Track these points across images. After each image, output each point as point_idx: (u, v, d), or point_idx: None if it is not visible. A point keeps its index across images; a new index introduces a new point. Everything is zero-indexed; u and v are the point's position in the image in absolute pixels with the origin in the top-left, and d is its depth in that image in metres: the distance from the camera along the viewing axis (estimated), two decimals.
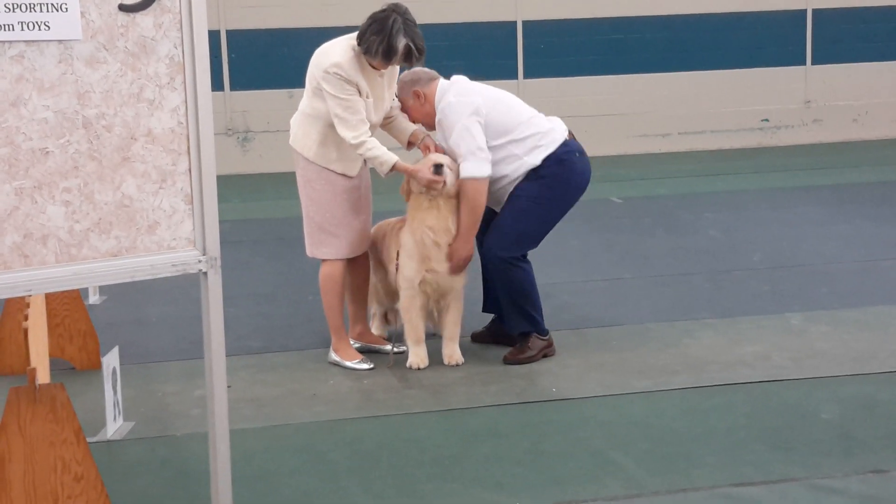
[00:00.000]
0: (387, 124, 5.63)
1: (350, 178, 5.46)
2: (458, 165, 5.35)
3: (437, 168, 5.28)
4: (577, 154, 5.55)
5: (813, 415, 4.80)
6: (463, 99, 5.40)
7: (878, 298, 6.51)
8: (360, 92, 5.27)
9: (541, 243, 5.66)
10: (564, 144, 5.51)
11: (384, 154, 5.26)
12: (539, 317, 5.57)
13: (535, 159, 5.45)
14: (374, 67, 5.32)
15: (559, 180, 5.47)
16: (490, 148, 5.38)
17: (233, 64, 11.84)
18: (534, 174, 5.47)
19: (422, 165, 5.34)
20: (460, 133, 5.35)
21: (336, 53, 5.27)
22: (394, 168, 5.28)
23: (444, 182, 5.29)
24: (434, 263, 5.40)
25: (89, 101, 3.33)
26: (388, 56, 5.24)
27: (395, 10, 5.25)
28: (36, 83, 3.25)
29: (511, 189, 5.51)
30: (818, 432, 4.61)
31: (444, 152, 5.43)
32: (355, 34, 5.33)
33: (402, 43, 5.20)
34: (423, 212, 5.39)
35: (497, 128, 5.41)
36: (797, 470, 4.25)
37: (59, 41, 3.27)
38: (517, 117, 5.48)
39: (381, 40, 5.19)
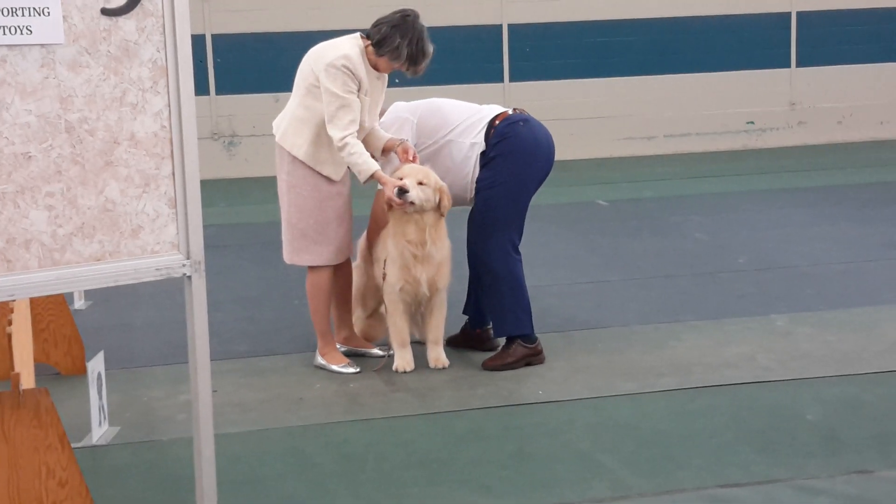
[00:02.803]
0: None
1: (334, 182, 5.44)
2: (435, 178, 5.38)
3: (400, 192, 5.26)
4: (521, 123, 5.53)
5: (798, 416, 4.81)
6: (391, 115, 5.67)
7: (862, 300, 6.53)
8: (360, 88, 5.27)
9: (531, 244, 5.66)
10: (506, 119, 5.53)
11: (366, 162, 5.24)
12: (526, 319, 5.55)
13: (472, 137, 5.52)
14: (376, 69, 5.36)
15: (509, 155, 5.48)
16: (431, 145, 5.57)
17: (218, 68, 11.83)
18: (484, 159, 5.51)
19: (395, 180, 5.32)
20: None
21: (345, 47, 5.29)
22: (372, 177, 5.27)
23: (412, 203, 5.28)
24: (413, 273, 5.41)
25: (72, 105, 3.32)
26: (415, 60, 5.34)
27: (416, 15, 5.37)
28: (18, 87, 3.24)
29: (472, 186, 5.55)
30: (803, 433, 4.62)
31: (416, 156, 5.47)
32: (353, 36, 5.38)
33: (431, 48, 5.36)
34: (402, 225, 5.39)
35: (432, 128, 5.59)
36: (782, 471, 4.26)
37: (42, 45, 3.25)
38: (448, 116, 5.61)
39: (409, 43, 5.28)
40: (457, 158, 5.55)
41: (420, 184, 5.30)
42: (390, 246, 5.46)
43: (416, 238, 5.38)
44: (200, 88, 11.27)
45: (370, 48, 5.33)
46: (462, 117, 5.59)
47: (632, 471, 4.31)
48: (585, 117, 12.32)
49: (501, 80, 12.11)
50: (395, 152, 5.47)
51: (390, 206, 5.37)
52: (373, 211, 5.76)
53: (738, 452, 4.44)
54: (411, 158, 5.40)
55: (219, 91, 11.84)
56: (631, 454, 4.47)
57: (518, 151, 5.48)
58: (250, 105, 11.75)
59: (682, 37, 12.55)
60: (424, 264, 5.42)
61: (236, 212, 9.98)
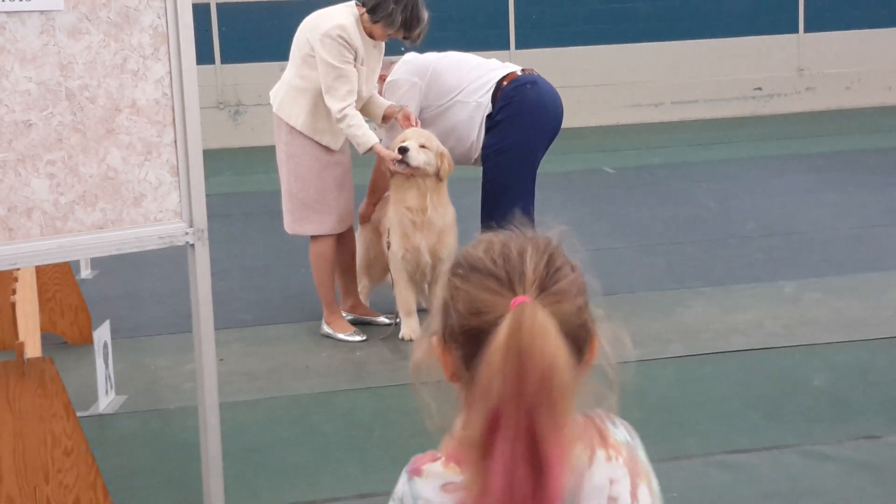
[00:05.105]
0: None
1: (333, 152, 5.41)
2: (437, 143, 5.35)
3: (402, 151, 5.24)
4: (529, 86, 5.52)
5: (806, 382, 4.80)
6: (399, 74, 5.62)
7: (870, 265, 6.50)
8: (356, 58, 5.23)
9: (538, 212, 5.63)
10: (514, 81, 5.50)
11: (364, 135, 5.21)
12: None
13: (478, 97, 5.50)
14: (372, 37, 5.31)
15: (515, 118, 5.47)
16: (438, 107, 5.56)
17: (223, 37, 11.76)
18: (490, 122, 5.49)
19: (392, 153, 5.28)
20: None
21: (339, 17, 5.24)
22: (371, 149, 5.25)
23: (408, 165, 5.25)
24: (413, 241, 5.39)
25: (72, 72, 3.29)
26: (409, 26, 5.28)
27: None
28: (18, 54, 3.21)
29: (477, 146, 5.54)
30: (811, 399, 4.61)
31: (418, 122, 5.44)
32: (349, 4, 5.34)
33: (426, 14, 5.29)
34: (403, 191, 5.37)
35: (439, 91, 5.57)
36: (790, 437, 4.25)
37: (41, 12, 3.22)
38: (454, 78, 5.58)
39: (404, 10, 5.23)
40: (462, 117, 5.52)
41: (422, 147, 5.28)
42: (391, 213, 5.44)
43: (417, 204, 5.35)
44: (205, 57, 11.21)
45: (365, 16, 5.28)
46: (471, 78, 5.56)
47: (639, 437, 4.29)
48: (592, 84, 12.24)
49: (507, 48, 12.03)
50: (396, 119, 5.45)
51: (392, 173, 5.35)
52: (371, 179, 5.77)
53: (746, 418, 4.43)
54: (413, 124, 5.38)
55: (224, 60, 11.78)
56: (638, 420, 4.39)
57: (524, 115, 5.45)
58: (256, 74, 11.68)
59: (689, 2, 12.44)
60: (425, 231, 5.38)
61: (242, 181, 9.94)
